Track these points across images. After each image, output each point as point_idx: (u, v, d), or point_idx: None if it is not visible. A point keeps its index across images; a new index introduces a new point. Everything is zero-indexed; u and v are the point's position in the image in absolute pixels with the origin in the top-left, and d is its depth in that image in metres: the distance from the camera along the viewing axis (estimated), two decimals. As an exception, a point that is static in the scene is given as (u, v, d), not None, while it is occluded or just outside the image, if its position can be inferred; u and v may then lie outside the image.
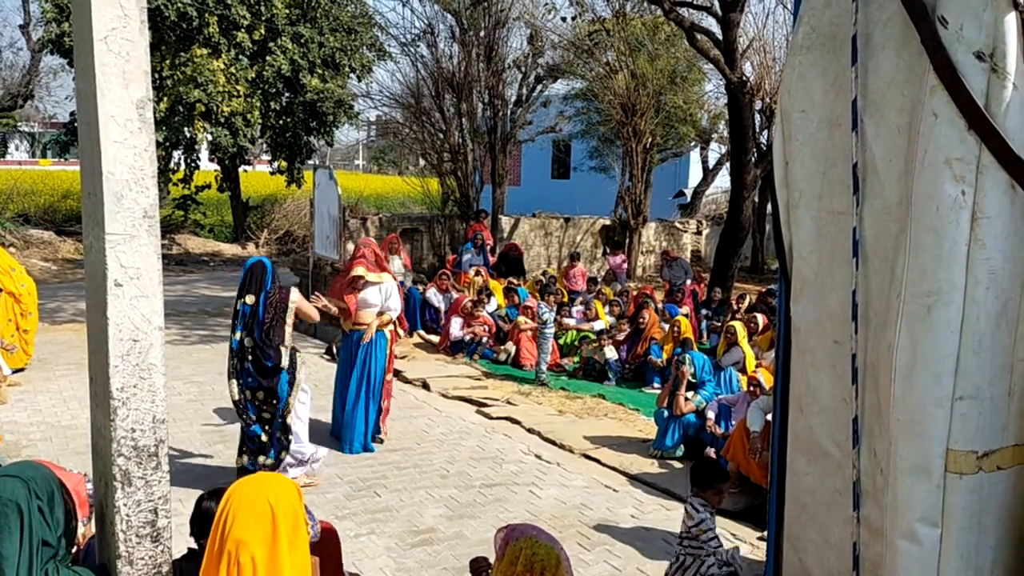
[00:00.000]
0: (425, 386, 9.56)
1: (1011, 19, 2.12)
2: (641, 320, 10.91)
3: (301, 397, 6.24)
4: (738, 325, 9.77)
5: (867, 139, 2.44)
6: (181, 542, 3.18)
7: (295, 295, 6.12)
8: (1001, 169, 2.14)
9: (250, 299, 5.94)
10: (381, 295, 7.28)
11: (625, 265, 16.54)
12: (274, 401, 5.97)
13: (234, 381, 5.95)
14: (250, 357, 5.93)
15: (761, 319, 10.26)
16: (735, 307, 12.20)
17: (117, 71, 2.24)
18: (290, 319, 6.00)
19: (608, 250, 18.14)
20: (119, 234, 2.28)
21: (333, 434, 7.59)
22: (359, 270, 7.20)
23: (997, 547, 2.33)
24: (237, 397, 5.95)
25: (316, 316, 6.45)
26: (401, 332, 7.85)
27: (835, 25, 2.52)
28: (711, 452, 7.17)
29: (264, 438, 6.03)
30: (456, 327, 11.56)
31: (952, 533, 2.28)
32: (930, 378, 2.23)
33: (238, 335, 5.93)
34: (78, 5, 2.31)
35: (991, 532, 2.32)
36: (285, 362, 5.97)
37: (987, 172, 2.15)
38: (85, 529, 3.06)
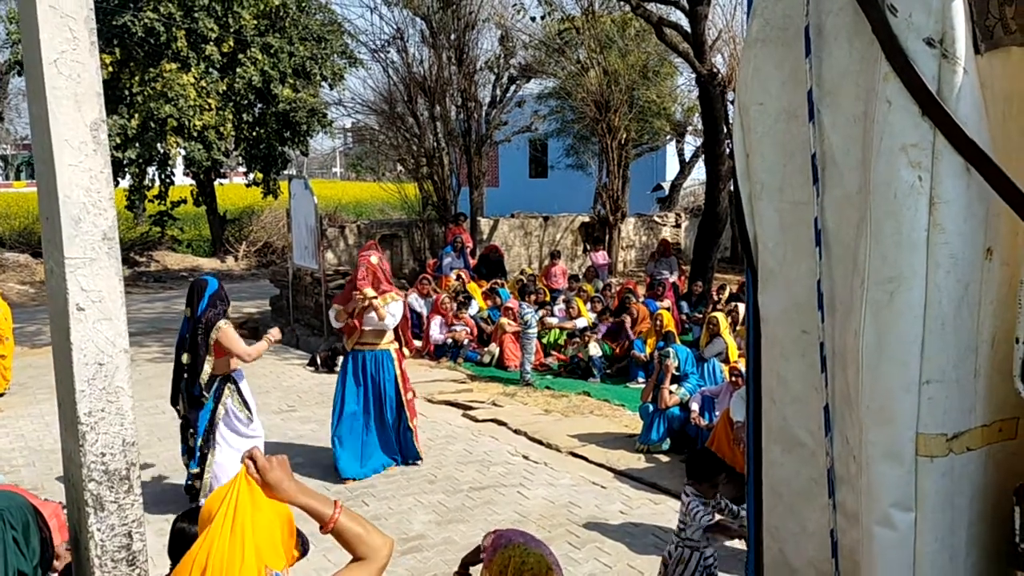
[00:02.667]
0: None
1: (958, 5, 2.14)
2: (628, 316, 10.98)
3: (227, 433, 5.94)
4: (720, 316, 9.82)
5: (824, 129, 2.45)
6: (168, 563, 3.16)
7: (221, 326, 5.78)
8: (956, 153, 2.15)
9: (188, 311, 5.92)
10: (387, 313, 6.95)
11: (607, 261, 16.59)
12: (191, 431, 5.90)
13: (181, 396, 5.98)
14: (186, 376, 5.89)
15: (742, 308, 10.32)
16: (716, 298, 12.26)
17: (69, 94, 2.22)
18: (209, 359, 5.77)
19: (589, 247, 18.17)
20: (78, 258, 2.26)
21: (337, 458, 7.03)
22: (368, 292, 6.81)
23: (971, 527, 2.35)
24: (185, 413, 5.98)
25: (246, 356, 5.88)
26: (407, 352, 7.41)
27: (788, 17, 2.53)
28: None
29: (185, 454, 6.05)
30: (436, 328, 11.56)
31: (926, 516, 2.30)
32: (896, 364, 2.25)
33: (183, 350, 5.92)
34: (27, 29, 2.29)
35: (964, 512, 2.33)
36: (206, 395, 5.82)
37: (942, 157, 2.17)
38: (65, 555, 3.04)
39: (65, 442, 2.48)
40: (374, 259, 7.03)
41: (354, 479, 6.87)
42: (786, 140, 2.57)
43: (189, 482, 6.03)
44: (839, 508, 2.53)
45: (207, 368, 5.77)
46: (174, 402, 6.03)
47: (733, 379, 7.13)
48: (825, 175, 2.45)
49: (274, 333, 6.18)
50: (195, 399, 5.81)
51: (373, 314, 6.85)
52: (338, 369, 10.66)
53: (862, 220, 2.32)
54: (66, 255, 2.23)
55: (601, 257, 16.47)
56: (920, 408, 2.25)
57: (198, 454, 5.87)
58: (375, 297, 6.82)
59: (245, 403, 5.97)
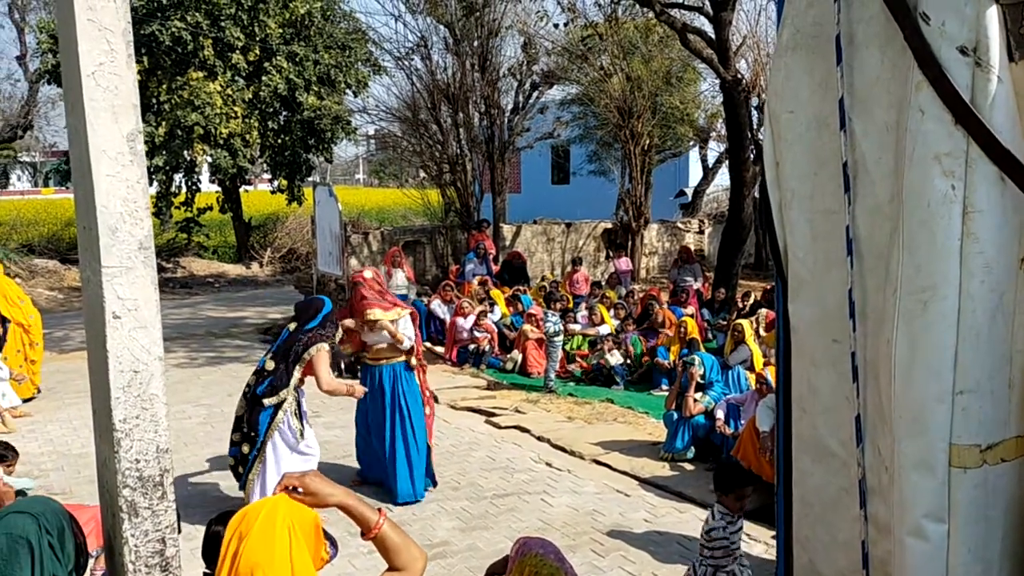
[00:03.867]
0: (433, 398, 9.53)
1: (992, 12, 2.12)
2: (653, 322, 10.98)
3: (280, 443, 5.92)
4: (745, 323, 9.75)
5: (856, 138, 2.44)
6: (197, 567, 3.19)
7: (322, 347, 5.87)
8: (990, 162, 2.14)
9: (292, 325, 6.07)
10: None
11: (630, 268, 16.54)
12: (252, 434, 5.89)
13: (242, 398, 6.04)
14: (264, 381, 5.94)
15: (764, 315, 10.25)
16: (740, 305, 12.19)
17: (106, 105, 2.26)
18: (297, 371, 5.85)
19: (611, 253, 18.12)
20: (115, 267, 2.29)
21: (362, 475, 7.01)
22: (376, 313, 6.54)
23: (1005, 539, 2.32)
24: (239, 413, 6.02)
25: (326, 384, 5.91)
26: (414, 361, 6.96)
27: (819, 25, 2.52)
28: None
29: (235, 465, 6.04)
30: (462, 322, 11.59)
31: (959, 528, 2.28)
32: (929, 374, 2.23)
33: (268, 357, 6.01)
34: (65, 42, 2.33)
35: (998, 524, 2.31)
36: (270, 401, 5.86)
37: (976, 166, 2.16)
38: (95, 562, 3.07)
39: (100, 448, 2.51)
40: (368, 274, 6.82)
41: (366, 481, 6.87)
42: (817, 148, 2.56)
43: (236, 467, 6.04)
44: (870, 519, 2.51)
45: (297, 376, 5.83)
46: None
47: (759, 387, 7.08)
48: (857, 183, 2.44)
49: (359, 390, 6.30)
50: (257, 398, 5.85)
51: (384, 332, 6.59)
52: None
53: (895, 229, 2.31)
54: (103, 264, 2.26)
55: (624, 263, 16.43)
56: (953, 418, 2.24)
57: (254, 451, 5.87)
58: (389, 319, 6.59)
59: (300, 419, 5.94)
